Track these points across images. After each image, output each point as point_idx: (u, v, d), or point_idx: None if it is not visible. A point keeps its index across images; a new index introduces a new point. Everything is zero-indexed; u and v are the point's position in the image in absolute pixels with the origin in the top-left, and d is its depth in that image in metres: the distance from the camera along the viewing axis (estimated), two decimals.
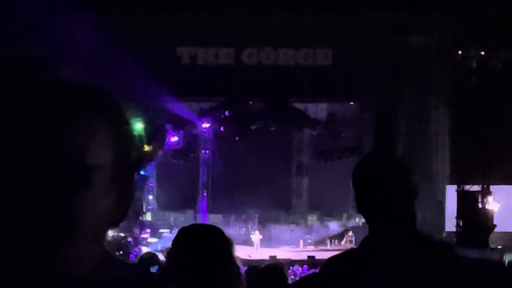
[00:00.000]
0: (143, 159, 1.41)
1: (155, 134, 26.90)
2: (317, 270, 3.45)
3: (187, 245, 3.26)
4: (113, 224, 1.33)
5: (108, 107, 1.29)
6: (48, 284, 1.24)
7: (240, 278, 3.29)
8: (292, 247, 30.37)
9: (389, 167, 3.13)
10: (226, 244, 3.28)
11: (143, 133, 1.41)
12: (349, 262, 3.15)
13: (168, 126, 31.32)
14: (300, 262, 25.18)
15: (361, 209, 3.14)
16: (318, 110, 32.22)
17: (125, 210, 1.33)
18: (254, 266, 7.91)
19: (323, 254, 24.80)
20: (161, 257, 7.65)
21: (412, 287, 2.95)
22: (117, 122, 1.30)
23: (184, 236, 3.32)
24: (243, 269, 3.51)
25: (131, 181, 1.33)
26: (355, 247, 3.24)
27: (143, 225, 30.13)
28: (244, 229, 31.37)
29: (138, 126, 1.42)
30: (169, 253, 3.42)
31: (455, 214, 20.98)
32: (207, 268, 3.15)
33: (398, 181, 3.07)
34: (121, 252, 23.17)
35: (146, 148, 1.72)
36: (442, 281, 2.96)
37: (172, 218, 32.18)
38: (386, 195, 3.04)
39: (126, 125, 1.32)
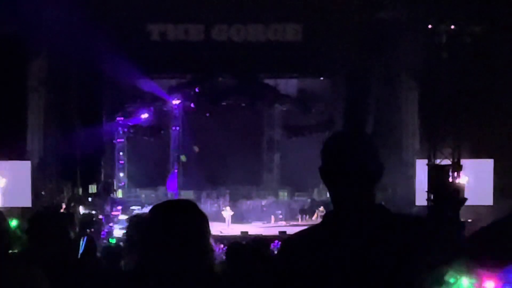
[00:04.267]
0: None
1: None
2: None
3: (161, 222, 3.22)
4: None
5: None
6: None
7: (212, 253, 3.26)
8: (264, 223, 30.43)
9: (355, 145, 3.14)
10: (202, 219, 3.27)
11: None
12: (308, 239, 3.16)
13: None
14: (272, 238, 25.25)
15: (324, 179, 3.19)
16: (288, 85, 32.22)
17: None
18: (235, 243, 7.90)
19: (294, 230, 24.83)
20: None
21: (372, 260, 2.96)
22: None
23: (158, 214, 3.28)
24: (218, 246, 3.49)
25: None
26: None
27: (114, 203, 30.07)
28: (215, 205, 31.38)
29: None
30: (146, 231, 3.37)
31: (425, 188, 21.06)
32: (182, 243, 3.13)
33: (363, 160, 3.08)
34: (92, 230, 23.10)
35: None
36: (404, 253, 2.97)
37: (143, 195, 32.22)
38: (349, 173, 3.09)
39: None
